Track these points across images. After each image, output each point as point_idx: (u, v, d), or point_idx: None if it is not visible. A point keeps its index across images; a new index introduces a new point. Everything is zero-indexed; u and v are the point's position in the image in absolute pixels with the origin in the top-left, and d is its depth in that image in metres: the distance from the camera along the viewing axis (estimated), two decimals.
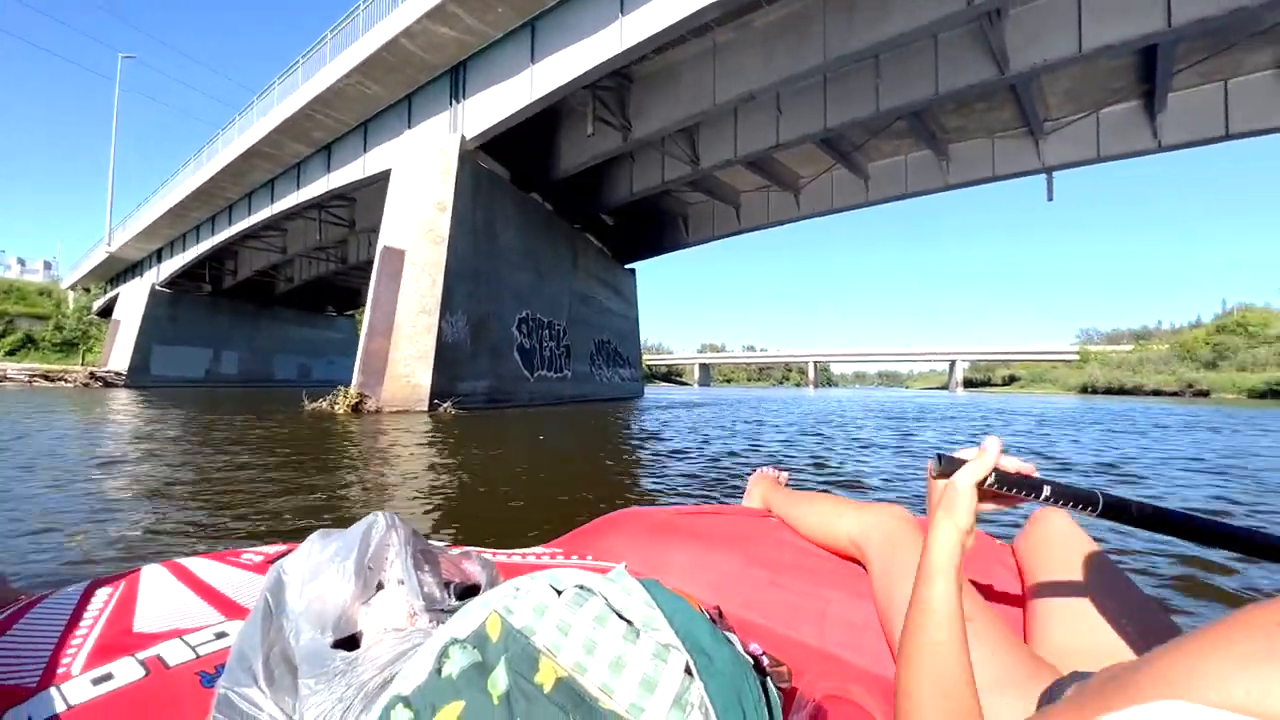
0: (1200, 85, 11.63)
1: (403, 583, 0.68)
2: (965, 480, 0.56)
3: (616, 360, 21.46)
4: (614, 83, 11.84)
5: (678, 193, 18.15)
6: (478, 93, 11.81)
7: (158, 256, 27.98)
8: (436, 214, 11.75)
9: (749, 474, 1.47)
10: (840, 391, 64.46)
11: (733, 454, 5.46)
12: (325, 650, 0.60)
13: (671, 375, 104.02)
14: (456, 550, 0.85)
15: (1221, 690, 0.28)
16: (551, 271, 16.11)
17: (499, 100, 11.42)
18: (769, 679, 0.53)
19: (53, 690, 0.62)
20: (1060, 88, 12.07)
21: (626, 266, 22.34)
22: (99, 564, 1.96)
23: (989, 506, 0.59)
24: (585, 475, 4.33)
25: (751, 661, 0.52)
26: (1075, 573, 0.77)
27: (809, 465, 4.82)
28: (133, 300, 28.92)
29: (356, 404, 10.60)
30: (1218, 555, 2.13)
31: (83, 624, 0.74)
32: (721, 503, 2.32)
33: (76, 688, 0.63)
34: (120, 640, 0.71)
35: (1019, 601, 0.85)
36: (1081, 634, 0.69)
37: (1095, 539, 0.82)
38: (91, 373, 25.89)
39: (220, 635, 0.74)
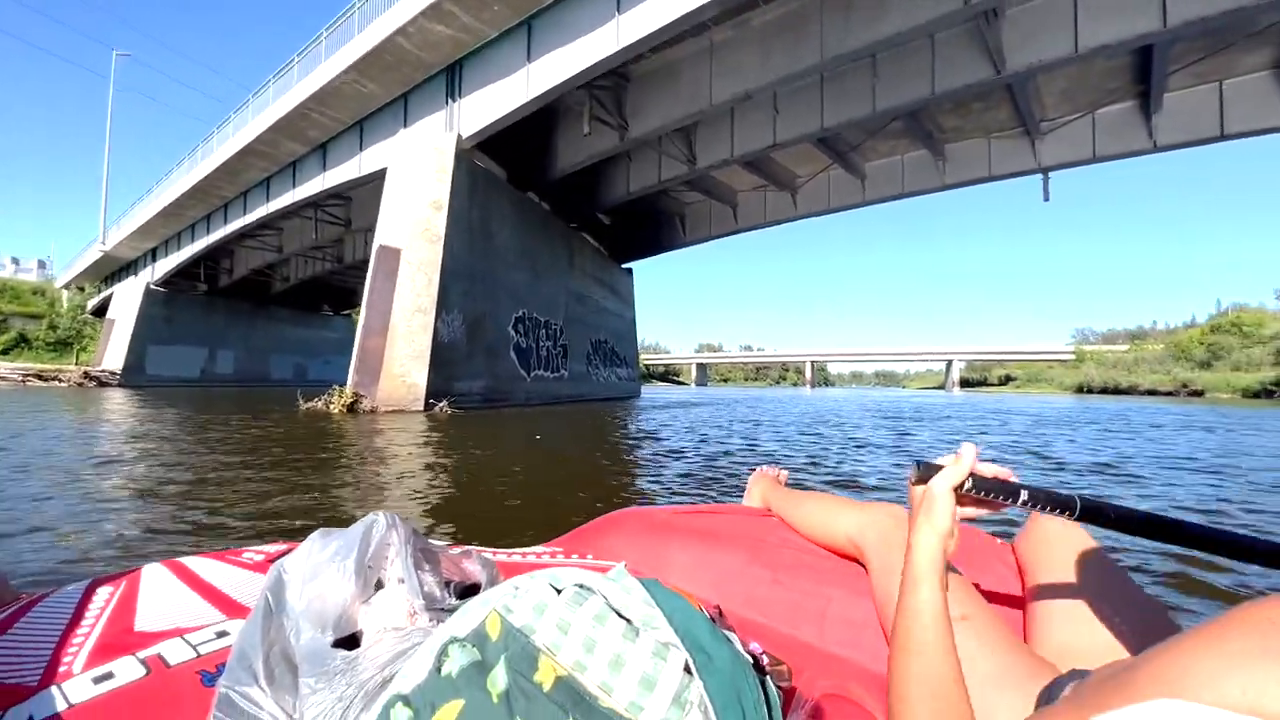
0: (1196, 86, 11.67)
1: (403, 582, 0.69)
2: (942, 485, 0.57)
3: (613, 360, 21.43)
4: (611, 82, 11.81)
5: (675, 192, 18.12)
6: (474, 91, 11.77)
7: (152, 255, 27.78)
8: (432, 213, 11.71)
9: (746, 473, 1.47)
10: (837, 391, 64.53)
11: (729, 454, 5.47)
12: (325, 649, 0.61)
13: (668, 375, 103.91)
14: (456, 549, 0.85)
15: (1217, 689, 0.29)
16: (548, 271, 16.07)
17: (495, 99, 11.39)
18: (768, 678, 0.53)
19: (54, 689, 0.62)
20: (1056, 88, 12.10)
21: (623, 266, 22.31)
22: (97, 563, 1.96)
23: (970, 511, 0.60)
24: (582, 475, 4.33)
25: (751, 660, 0.53)
26: (1075, 572, 0.77)
27: (806, 465, 4.83)
28: (127, 299, 28.70)
29: (352, 403, 10.54)
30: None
31: (84, 623, 0.75)
32: (720, 502, 2.32)
33: (77, 686, 0.63)
34: (121, 639, 0.72)
35: (1019, 601, 0.86)
36: (1081, 633, 0.69)
37: (1096, 538, 0.82)
38: (86, 372, 25.75)
39: (221, 634, 0.74)
